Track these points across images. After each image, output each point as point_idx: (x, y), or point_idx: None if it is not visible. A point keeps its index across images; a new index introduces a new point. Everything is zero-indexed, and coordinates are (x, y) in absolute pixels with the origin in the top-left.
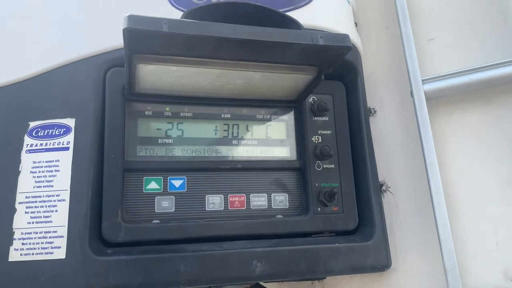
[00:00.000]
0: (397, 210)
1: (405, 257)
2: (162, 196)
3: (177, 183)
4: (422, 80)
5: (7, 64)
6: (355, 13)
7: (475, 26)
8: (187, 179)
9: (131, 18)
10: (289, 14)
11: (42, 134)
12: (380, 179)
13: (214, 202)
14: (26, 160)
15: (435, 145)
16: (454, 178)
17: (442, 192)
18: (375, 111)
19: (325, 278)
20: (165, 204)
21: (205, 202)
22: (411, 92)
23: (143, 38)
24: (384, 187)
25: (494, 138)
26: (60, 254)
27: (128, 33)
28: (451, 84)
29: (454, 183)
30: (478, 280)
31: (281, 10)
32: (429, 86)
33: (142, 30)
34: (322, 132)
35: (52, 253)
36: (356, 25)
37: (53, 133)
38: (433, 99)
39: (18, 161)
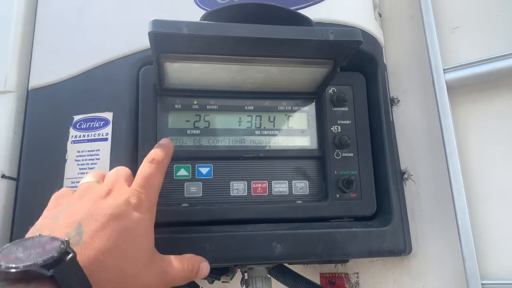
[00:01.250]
0: (419, 198)
1: (426, 243)
2: (191, 182)
3: (204, 170)
4: (444, 69)
5: (55, 64)
6: (378, 4)
7: (501, 13)
8: (213, 166)
9: (155, 22)
10: (307, 9)
11: (84, 126)
12: (403, 167)
13: (238, 188)
14: (72, 150)
15: (458, 133)
16: (475, 166)
17: (462, 181)
18: (398, 101)
19: (347, 261)
20: (193, 190)
21: (229, 188)
22: (433, 81)
23: (167, 40)
24: (406, 175)
25: None
26: None
27: (153, 36)
28: (474, 72)
29: (475, 171)
30: (497, 268)
31: (298, 7)
32: (451, 75)
33: (165, 33)
34: (342, 122)
35: None
36: (381, 16)
37: (94, 126)
38: (456, 88)
39: (64, 150)
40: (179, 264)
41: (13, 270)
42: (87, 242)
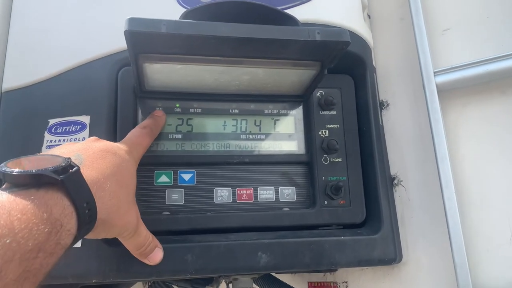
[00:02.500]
0: (409, 204)
1: (416, 251)
2: (172, 189)
3: (186, 176)
4: (434, 72)
5: (29, 65)
6: (367, 5)
7: (491, 15)
8: (196, 172)
9: (131, 21)
10: (294, 9)
11: (60, 131)
12: (393, 172)
13: (222, 195)
14: None
15: (448, 137)
16: (467, 171)
17: (453, 187)
18: (387, 104)
19: (336, 270)
20: (175, 197)
21: (213, 195)
22: (423, 85)
23: (144, 39)
24: (396, 181)
25: (508, 129)
26: (77, 243)
27: (130, 35)
28: (465, 75)
29: (467, 176)
30: (489, 276)
31: (285, 6)
32: (442, 78)
33: (142, 32)
34: (330, 126)
35: None
36: (370, 17)
37: (70, 130)
38: (447, 91)
39: None
40: (145, 229)
41: (26, 174)
42: (88, 165)
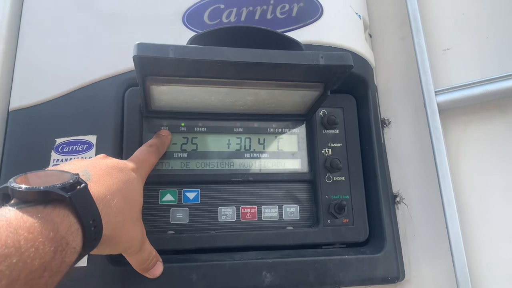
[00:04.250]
0: (411, 221)
1: (419, 269)
2: (177, 208)
3: (191, 195)
4: (435, 91)
5: (36, 85)
6: (368, 25)
7: (491, 35)
8: (200, 191)
9: (140, 46)
10: (297, 32)
11: (67, 150)
12: (395, 190)
13: (226, 213)
14: None
15: (450, 156)
16: (468, 189)
17: (455, 205)
18: (389, 122)
19: None
20: (180, 216)
21: (217, 214)
22: (424, 104)
23: (152, 63)
24: (398, 198)
25: (509, 148)
26: (82, 262)
27: (138, 60)
28: (466, 95)
29: (468, 194)
30: None
31: (290, 28)
32: (443, 97)
33: (150, 56)
34: (333, 144)
35: None
36: (371, 37)
37: (77, 149)
38: (448, 109)
39: None
40: (150, 245)
41: (34, 191)
42: (95, 181)
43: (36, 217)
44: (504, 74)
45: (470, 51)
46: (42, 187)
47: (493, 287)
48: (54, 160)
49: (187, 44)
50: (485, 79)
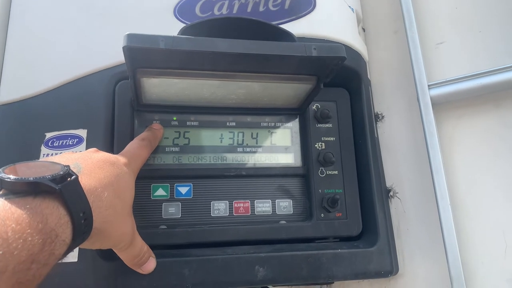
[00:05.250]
0: (404, 216)
1: (412, 263)
2: (169, 203)
3: (183, 190)
4: (429, 85)
5: (26, 79)
6: (361, 19)
7: (484, 29)
8: (193, 186)
9: (130, 37)
10: (290, 24)
11: (57, 144)
12: (388, 184)
13: (219, 208)
14: None
15: (443, 150)
16: (462, 183)
17: (448, 198)
18: (382, 117)
19: (333, 282)
20: (172, 210)
21: (210, 208)
22: (417, 97)
23: (143, 55)
24: (391, 193)
25: (503, 142)
26: (73, 258)
27: (128, 51)
28: (459, 88)
29: (462, 188)
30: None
31: (282, 21)
32: (436, 91)
33: (141, 47)
34: (326, 138)
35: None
36: (364, 31)
37: (67, 143)
38: (441, 103)
39: None
40: (141, 240)
41: (23, 182)
42: (86, 174)
43: (25, 208)
44: (497, 68)
45: (464, 45)
46: (31, 178)
47: (486, 281)
48: (44, 154)
49: (177, 35)
50: (478, 72)
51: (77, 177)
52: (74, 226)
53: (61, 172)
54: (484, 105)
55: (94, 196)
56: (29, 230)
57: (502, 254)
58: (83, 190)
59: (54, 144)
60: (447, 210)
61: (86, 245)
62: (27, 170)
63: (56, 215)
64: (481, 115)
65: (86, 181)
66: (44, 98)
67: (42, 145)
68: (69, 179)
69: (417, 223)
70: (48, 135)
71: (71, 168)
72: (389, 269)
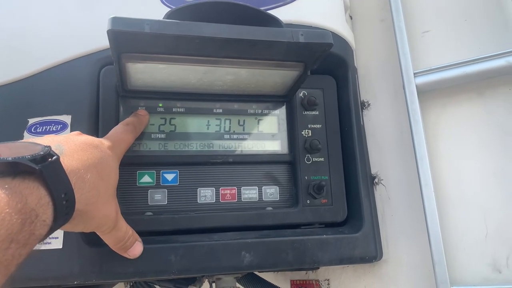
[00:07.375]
0: (389, 202)
1: (396, 249)
2: (155, 189)
3: (169, 176)
4: (414, 73)
5: (8, 63)
6: (349, 6)
7: (470, 17)
8: (179, 172)
9: (115, 20)
10: (277, 10)
11: (40, 130)
12: (373, 171)
13: (205, 195)
14: None
15: (428, 138)
16: (445, 170)
17: (432, 186)
18: (368, 104)
19: (318, 268)
20: (158, 197)
21: (197, 195)
22: (403, 85)
23: (128, 39)
24: (376, 180)
25: (486, 130)
26: (57, 244)
27: (113, 34)
28: (444, 77)
29: (445, 175)
30: (467, 272)
31: (269, 6)
32: (421, 79)
33: (125, 31)
34: (312, 126)
35: (50, 243)
36: (351, 18)
37: (51, 129)
38: (426, 92)
39: None
40: (125, 223)
41: (1, 162)
42: (68, 155)
43: (3, 188)
44: (482, 56)
45: (449, 34)
46: (10, 158)
47: (468, 265)
48: None
49: (163, 19)
50: (463, 61)
51: (58, 158)
52: (55, 207)
53: (42, 153)
54: (468, 94)
55: (77, 178)
56: (7, 210)
57: (483, 239)
58: (64, 171)
59: (38, 130)
60: (431, 197)
61: (68, 227)
62: (7, 151)
63: (36, 195)
64: (465, 103)
65: (68, 163)
66: (27, 83)
67: (25, 131)
68: (50, 159)
69: (402, 210)
70: (31, 120)
71: (53, 149)
72: (374, 254)
